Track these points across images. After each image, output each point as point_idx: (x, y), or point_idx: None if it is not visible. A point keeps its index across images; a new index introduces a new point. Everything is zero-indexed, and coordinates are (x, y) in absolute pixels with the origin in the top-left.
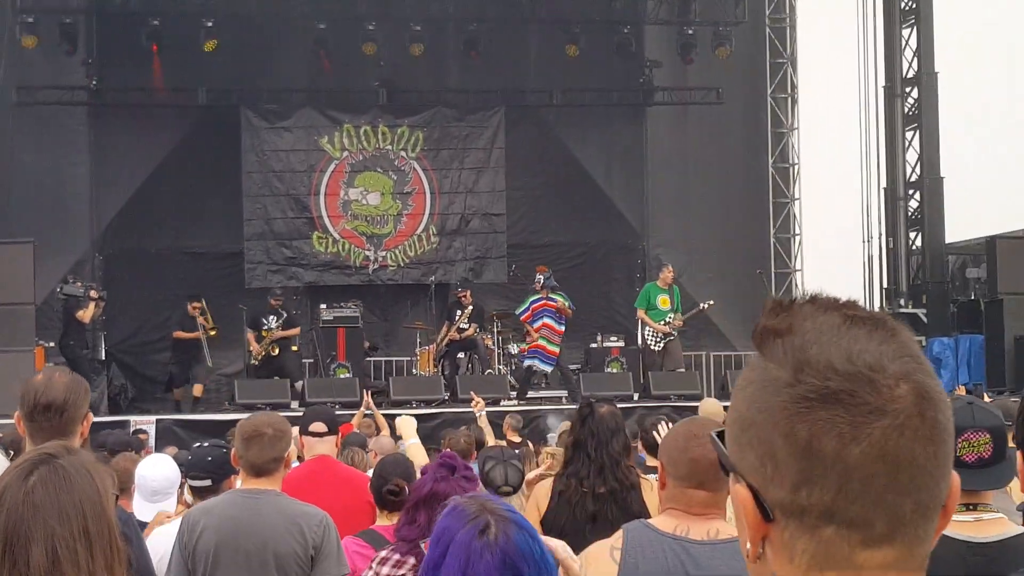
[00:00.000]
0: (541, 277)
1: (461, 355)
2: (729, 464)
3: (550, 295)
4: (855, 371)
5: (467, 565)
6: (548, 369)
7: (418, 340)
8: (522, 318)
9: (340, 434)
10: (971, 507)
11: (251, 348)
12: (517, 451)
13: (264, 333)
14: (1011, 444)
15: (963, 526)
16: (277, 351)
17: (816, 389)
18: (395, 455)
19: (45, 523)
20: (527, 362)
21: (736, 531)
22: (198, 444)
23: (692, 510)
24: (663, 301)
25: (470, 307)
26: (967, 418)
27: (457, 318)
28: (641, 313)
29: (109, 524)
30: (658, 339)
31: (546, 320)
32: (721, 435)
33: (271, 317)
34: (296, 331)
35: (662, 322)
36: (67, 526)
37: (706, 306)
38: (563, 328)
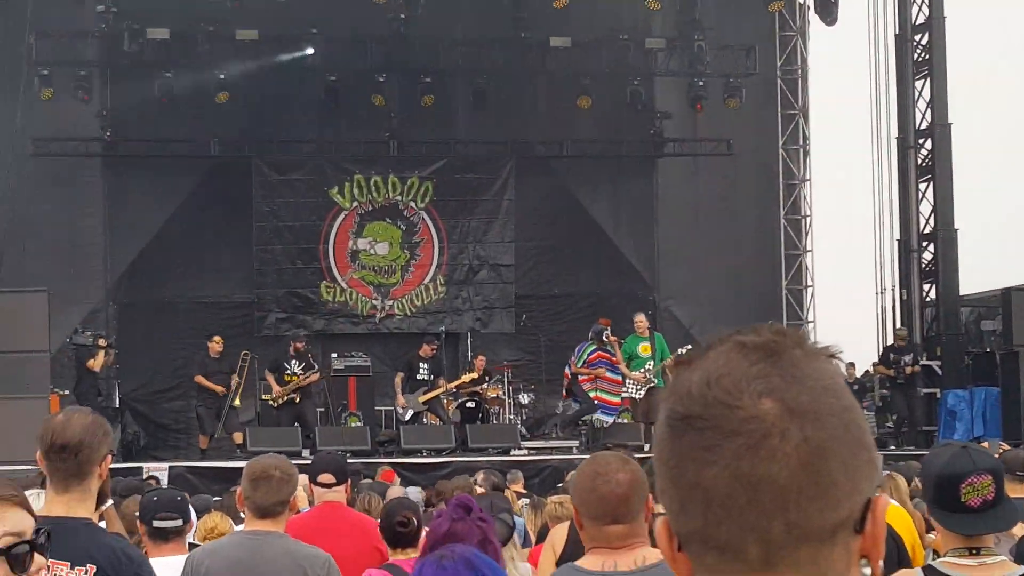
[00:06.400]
0: (606, 329)
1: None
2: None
3: (605, 347)
4: (710, 394)
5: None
6: (608, 420)
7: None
8: (580, 367)
9: (349, 483)
10: (974, 551)
11: (273, 391)
12: (526, 500)
13: (287, 377)
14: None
15: (968, 569)
16: (299, 399)
17: (676, 415)
18: (399, 497)
19: None
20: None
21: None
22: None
23: (613, 544)
24: (644, 348)
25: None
26: (967, 463)
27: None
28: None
29: None
30: (638, 388)
31: (603, 370)
32: None
33: (294, 362)
34: (317, 376)
35: (641, 371)
36: None
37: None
38: (620, 378)
